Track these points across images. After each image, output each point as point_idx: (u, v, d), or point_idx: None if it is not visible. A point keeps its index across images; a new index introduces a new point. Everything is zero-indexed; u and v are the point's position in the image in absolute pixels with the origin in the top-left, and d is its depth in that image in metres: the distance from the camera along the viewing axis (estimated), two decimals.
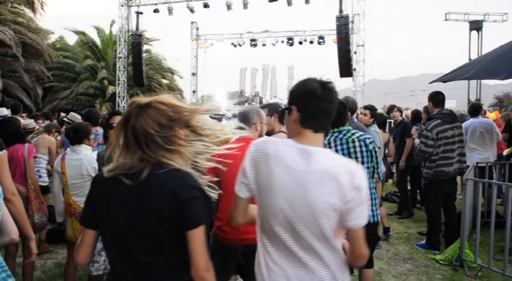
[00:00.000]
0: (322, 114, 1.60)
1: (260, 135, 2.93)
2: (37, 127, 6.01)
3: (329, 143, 3.05)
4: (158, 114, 1.49)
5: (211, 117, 4.33)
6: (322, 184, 1.49)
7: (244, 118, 2.90)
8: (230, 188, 2.66)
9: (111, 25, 23.47)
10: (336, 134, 3.06)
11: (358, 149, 2.98)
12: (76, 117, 5.83)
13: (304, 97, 1.58)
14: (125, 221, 1.50)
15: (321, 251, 1.55)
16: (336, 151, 2.99)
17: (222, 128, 1.65)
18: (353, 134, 3.04)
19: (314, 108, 1.58)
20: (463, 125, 6.06)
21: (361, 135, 3.05)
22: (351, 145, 2.99)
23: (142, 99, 1.54)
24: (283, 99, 19.27)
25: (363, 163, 2.98)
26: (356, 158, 2.97)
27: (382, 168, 3.47)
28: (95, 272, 3.15)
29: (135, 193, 1.49)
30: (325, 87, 1.58)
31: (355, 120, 5.11)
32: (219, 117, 4.31)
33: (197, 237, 1.47)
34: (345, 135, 3.03)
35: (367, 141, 3.00)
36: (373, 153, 3.01)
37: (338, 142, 3.02)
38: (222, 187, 2.69)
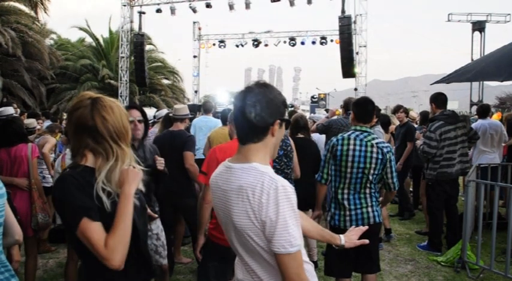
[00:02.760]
0: (240, 123, 1.50)
1: None
2: (38, 127, 6.01)
3: (348, 138, 3.04)
4: (107, 111, 1.51)
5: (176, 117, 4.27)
6: (237, 201, 1.43)
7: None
8: None
9: (109, 22, 23.60)
10: (358, 133, 3.05)
11: (374, 155, 2.97)
12: None
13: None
14: None
15: (257, 270, 1.48)
16: (354, 150, 2.99)
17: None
18: (373, 138, 3.03)
19: (233, 120, 1.54)
20: (473, 125, 6.04)
21: (381, 142, 3.04)
22: (369, 149, 2.98)
23: (94, 94, 1.58)
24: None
25: (375, 169, 2.97)
26: (370, 163, 2.96)
27: None
28: (163, 261, 3.17)
29: None
30: (240, 93, 1.49)
31: None
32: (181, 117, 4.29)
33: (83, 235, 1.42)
34: (365, 137, 3.02)
35: (385, 150, 2.99)
36: (388, 163, 3.00)
37: (358, 142, 3.01)
38: None
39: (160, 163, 3.00)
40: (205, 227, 2.86)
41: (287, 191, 1.36)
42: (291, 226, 1.34)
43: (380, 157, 2.97)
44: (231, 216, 1.45)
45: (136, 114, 2.93)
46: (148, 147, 3.10)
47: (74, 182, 1.44)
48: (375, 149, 2.97)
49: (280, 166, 3.76)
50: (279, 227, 1.33)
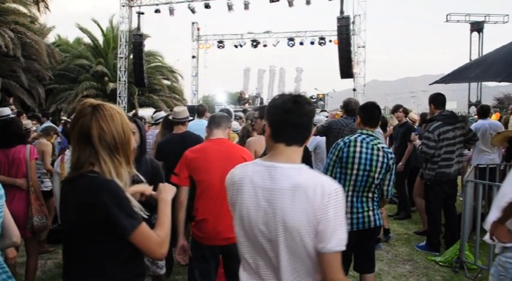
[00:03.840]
0: (292, 127, 1.54)
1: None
2: (33, 128, 6.00)
3: (355, 141, 3.04)
4: (107, 120, 1.52)
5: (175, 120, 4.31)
6: (293, 199, 1.45)
7: (218, 123, 3.01)
8: (206, 188, 2.77)
9: (111, 21, 23.62)
10: (364, 136, 3.06)
11: (380, 159, 2.98)
12: None
13: (273, 111, 1.56)
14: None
15: (287, 274, 1.49)
16: (360, 152, 2.99)
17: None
18: (379, 142, 3.06)
19: (282, 122, 1.54)
20: (473, 126, 6.06)
21: (386, 147, 3.07)
22: (375, 152, 2.99)
23: (95, 100, 1.59)
24: None
25: (379, 173, 2.98)
26: (376, 166, 2.97)
27: None
28: (161, 271, 3.11)
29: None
30: (296, 100, 1.54)
31: None
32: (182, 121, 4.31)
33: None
34: (372, 140, 3.03)
35: (389, 156, 3.02)
36: (390, 170, 3.02)
37: (364, 145, 3.01)
38: (197, 188, 2.79)
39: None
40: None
41: (342, 193, 1.49)
42: (344, 225, 1.48)
43: (385, 161, 2.98)
44: (281, 215, 1.45)
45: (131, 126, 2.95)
46: (147, 162, 2.98)
47: (120, 186, 1.51)
48: (381, 153, 2.99)
49: None
50: (338, 226, 1.44)
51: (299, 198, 1.44)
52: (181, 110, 4.30)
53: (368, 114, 3.15)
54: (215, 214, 2.70)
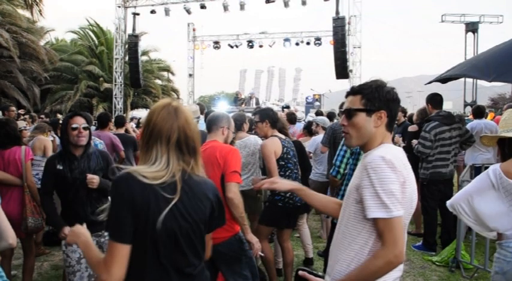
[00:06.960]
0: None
1: (225, 141, 3.02)
2: (28, 128, 5.97)
3: None
4: (189, 123, 1.52)
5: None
6: None
7: (213, 121, 3.02)
8: None
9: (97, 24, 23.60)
10: None
11: None
12: None
13: (394, 102, 1.64)
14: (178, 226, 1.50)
15: None
16: None
17: None
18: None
19: (396, 113, 1.69)
20: (469, 125, 6.09)
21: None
22: None
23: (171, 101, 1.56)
24: (279, 103, 18.97)
25: None
26: None
27: None
28: None
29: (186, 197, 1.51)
30: None
31: None
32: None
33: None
34: None
35: None
36: None
37: None
38: None
39: (92, 181, 2.90)
40: None
41: None
42: None
43: None
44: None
45: (81, 121, 2.96)
46: (95, 154, 3.04)
47: None
48: None
49: (293, 166, 3.74)
50: None
51: None
52: (195, 110, 4.31)
53: None
54: None
